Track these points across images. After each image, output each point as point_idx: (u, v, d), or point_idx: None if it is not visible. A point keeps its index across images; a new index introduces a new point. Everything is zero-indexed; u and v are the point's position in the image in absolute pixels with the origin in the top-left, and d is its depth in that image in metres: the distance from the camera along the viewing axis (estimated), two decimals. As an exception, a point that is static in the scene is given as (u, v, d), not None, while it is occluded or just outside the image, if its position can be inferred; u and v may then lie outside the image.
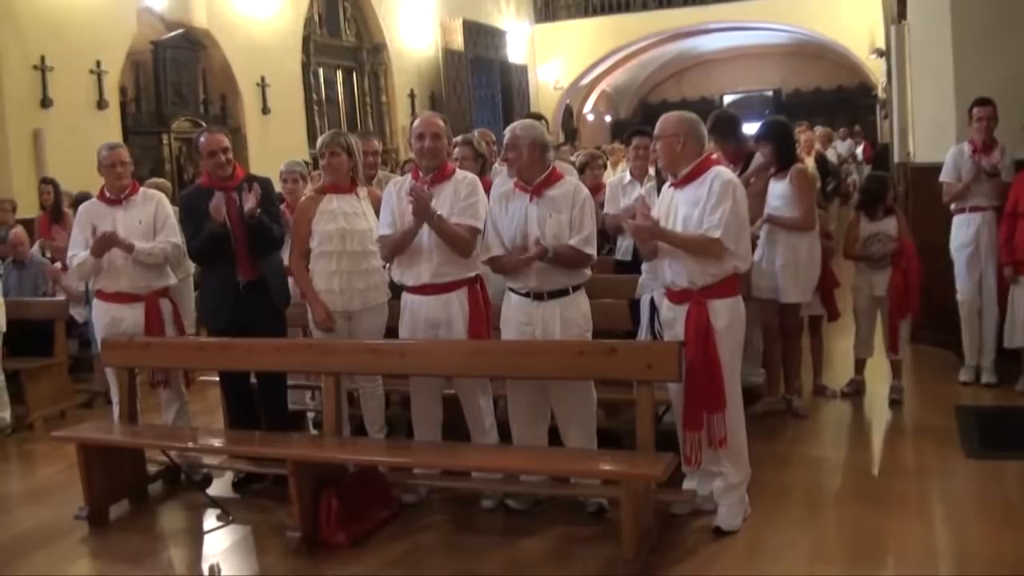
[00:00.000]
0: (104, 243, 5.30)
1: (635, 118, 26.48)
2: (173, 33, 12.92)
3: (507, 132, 4.65)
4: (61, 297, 7.56)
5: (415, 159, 4.89)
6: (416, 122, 4.85)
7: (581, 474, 4.23)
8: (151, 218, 5.53)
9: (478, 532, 4.66)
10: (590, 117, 25.93)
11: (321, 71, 16.34)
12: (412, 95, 18.35)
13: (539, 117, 6.18)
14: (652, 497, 3.95)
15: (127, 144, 12.00)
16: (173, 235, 5.54)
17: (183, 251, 5.65)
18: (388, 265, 5.02)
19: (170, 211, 5.63)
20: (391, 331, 5.17)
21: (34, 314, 7.45)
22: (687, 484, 4.46)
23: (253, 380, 5.48)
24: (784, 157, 5.84)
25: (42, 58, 10.84)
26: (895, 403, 6.21)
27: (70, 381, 7.59)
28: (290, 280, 5.53)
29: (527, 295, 4.54)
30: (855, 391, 6.44)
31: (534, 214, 4.51)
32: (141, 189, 5.67)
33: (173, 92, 13.00)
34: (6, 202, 9.05)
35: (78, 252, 5.48)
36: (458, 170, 4.91)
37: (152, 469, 5.52)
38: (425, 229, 4.65)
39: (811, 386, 6.50)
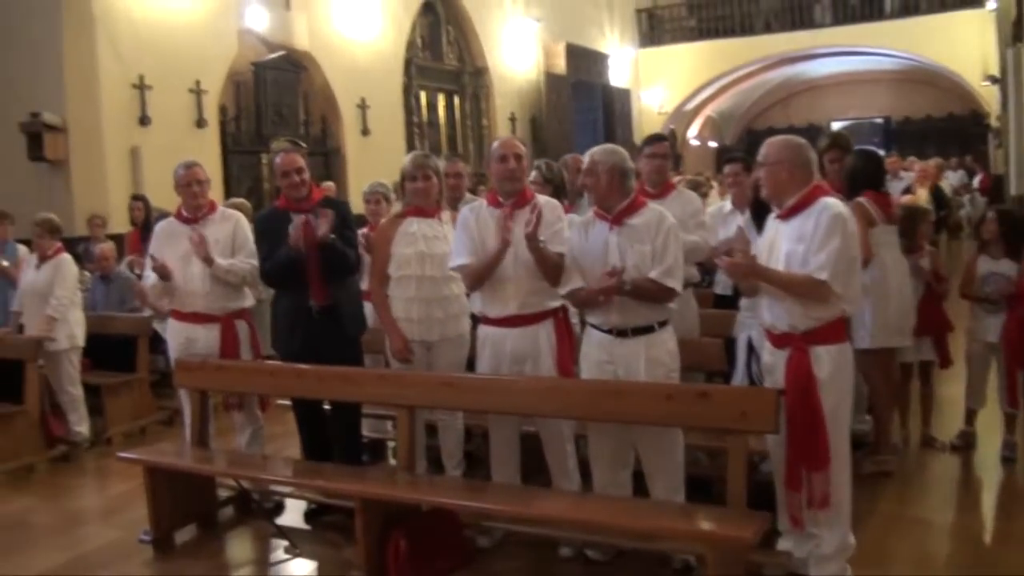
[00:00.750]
0: (161, 270, 5.27)
1: (740, 145, 25.93)
2: (275, 55, 13.02)
3: (585, 157, 4.36)
4: (147, 313, 7.54)
5: (494, 183, 4.61)
6: (496, 145, 4.59)
7: (663, 533, 3.87)
8: (228, 238, 5.43)
9: (553, 583, 4.34)
10: (694, 143, 25.46)
11: (422, 94, 16.31)
12: (513, 119, 18.22)
13: (660, 139, 5.84)
14: (742, 557, 3.57)
15: (225, 163, 12.39)
16: (252, 257, 5.40)
17: (257, 272, 5.48)
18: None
19: (248, 232, 5.52)
20: (471, 363, 4.91)
21: (117, 329, 7.47)
22: (782, 544, 4.06)
23: (327, 407, 5.27)
24: (853, 189, 5.36)
25: (141, 77, 11.01)
26: (1008, 461, 5.66)
27: (152, 398, 7.55)
28: (368, 306, 5.32)
29: (609, 331, 4.22)
30: (965, 444, 5.90)
31: (615, 244, 4.20)
32: (219, 208, 5.57)
33: (273, 112, 13.08)
34: (97, 218, 9.17)
35: (152, 273, 5.45)
36: (538, 195, 4.63)
37: (223, 494, 5.39)
38: (509, 256, 4.37)
39: (919, 436, 6.02)
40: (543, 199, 4.58)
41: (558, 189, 5.44)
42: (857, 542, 4.03)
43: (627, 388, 4.04)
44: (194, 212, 5.45)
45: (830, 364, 3.80)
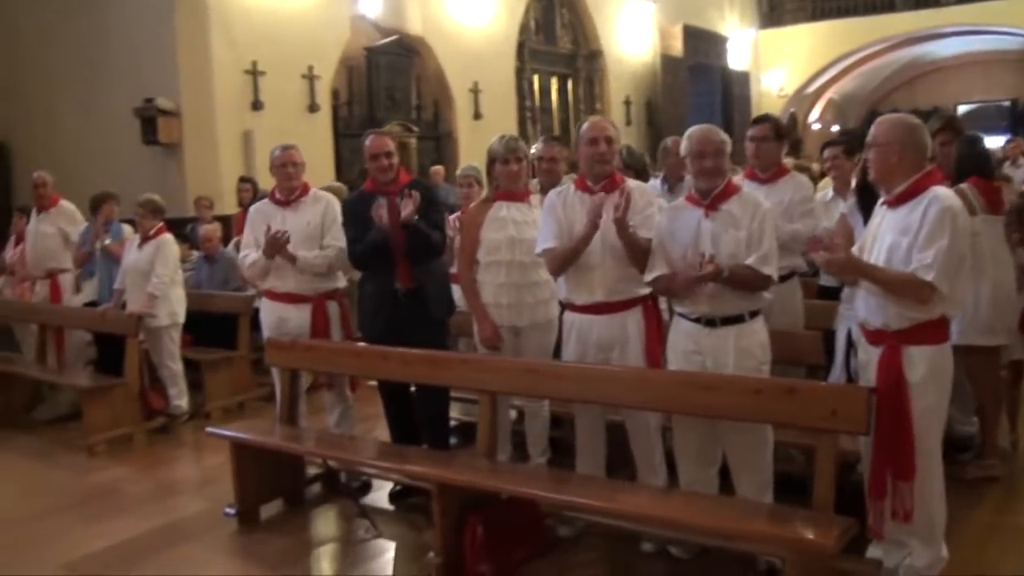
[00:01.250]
0: (273, 243, 5.23)
1: (863, 128, 24.91)
2: (387, 39, 13.08)
3: (684, 139, 4.17)
4: (250, 292, 7.66)
5: (583, 167, 4.47)
6: (585, 126, 4.43)
7: (743, 535, 3.68)
8: (319, 220, 5.44)
9: (634, 579, 4.19)
10: (816, 127, 24.62)
11: (535, 78, 16.20)
12: (628, 102, 17.96)
13: (759, 121, 5.58)
14: (825, 564, 3.36)
15: (336, 147, 12.54)
16: (340, 239, 5.37)
17: (345, 255, 5.46)
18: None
19: (339, 214, 5.48)
20: (557, 349, 4.79)
21: (219, 307, 7.62)
22: (872, 551, 3.82)
23: (414, 389, 5.23)
24: (959, 175, 4.95)
25: (254, 63, 11.20)
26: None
27: (252, 374, 7.65)
28: (457, 288, 5.26)
29: (697, 320, 4.04)
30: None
31: (708, 230, 4.00)
32: (312, 191, 5.57)
33: (386, 97, 13.17)
34: (203, 199, 9.38)
35: (249, 253, 5.49)
36: (628, 179, 4.47)
37: (312, 471, 5.44)
38: (596, 242, 4.23)
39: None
40: (633, 183, 4.43)
41: (640, 174, 5.27)
42: (954, 552, 3.77)
43: (713, 381, 3.85)
44: (287, 194, 5.48)
45: (924, 366, 3.54)
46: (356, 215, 5.13)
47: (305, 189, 5.52)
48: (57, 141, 12.53)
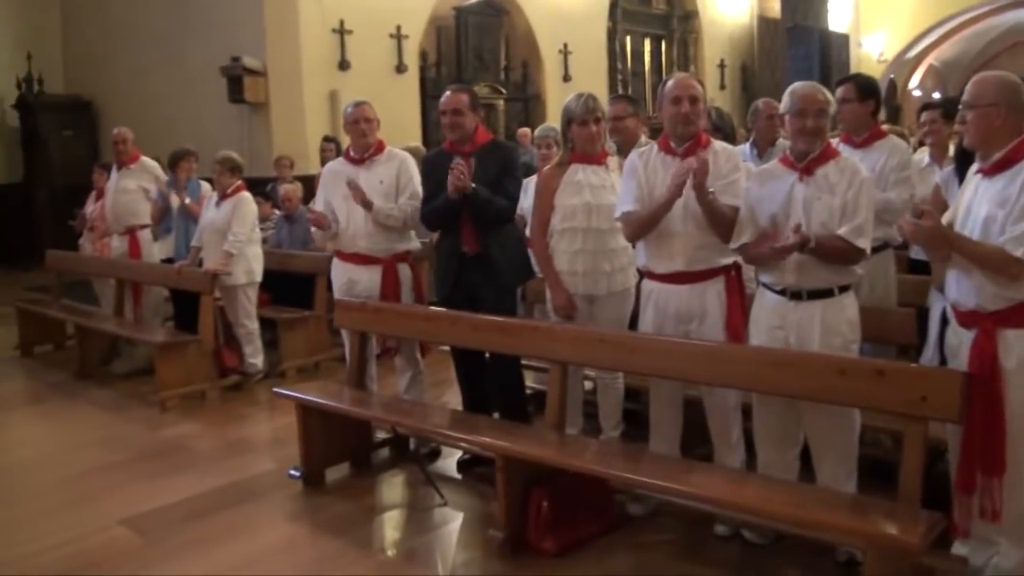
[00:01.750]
0: (317, 221, 5.23)
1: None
2: (477, -1, 12.91)
3: (786, 96, 3.88)
4: (328, 252, 7.59)
5: (666, 127, 4.22)
6: (670, 84, 4.17)
7: (819, 526, 3.43)
8: (393, 178, 5.32)
9: (705, 562, 3.98)
10: (916, 93, 23.61)
11: (628, 39, 15.83)
12: (722, 65, 17.48)
13: (842, 82, 5.25)
14: (909, 560, 3.11)
15: (424, 107, 12.44)
16: (415, 198, 5.27)
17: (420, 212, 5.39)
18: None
19: (414, 172, 5.37)
20: (634, 320, 4.59)
21: (297, 267, 7.58)
22: (958, 548, 3.54)
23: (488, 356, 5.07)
24: None
25: (341, 22, 11.16)
26: None
27: (328, 334, 7.59)
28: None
29: (782, 293, 3.78)
30: None
31: (800, 195, 3.73)
32: (387, 148, 5.43)
33: (474, 57, 13.04)
34: (284, 158, 9.34)
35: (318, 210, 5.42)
36: (715, 141, 4.21)
37: (380, 435, 5.36)
38: (678, 208, 4.00)
39: None
40: (719, 145, 4.18)
41: (728, 137, 4.99)
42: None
43: (795, 359, 3.61)
44: (361, 152, 5.37)
45: (1021, 351, 3.23)
46: (432, 174, 5.03)
47: (380, 147, 5.40)
48: (144, 100, 12.73)
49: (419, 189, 5.30)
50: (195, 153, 7.81)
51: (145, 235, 7.91)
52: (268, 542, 4.35)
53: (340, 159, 5.59)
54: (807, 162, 3.75)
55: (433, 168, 5.04)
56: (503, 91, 13.50)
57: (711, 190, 3.88)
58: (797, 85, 3.86)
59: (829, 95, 3.82)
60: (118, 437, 6.00)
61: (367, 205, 5.17)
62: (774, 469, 3.90)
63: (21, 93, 14.10)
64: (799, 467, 3.95)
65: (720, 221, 3.93)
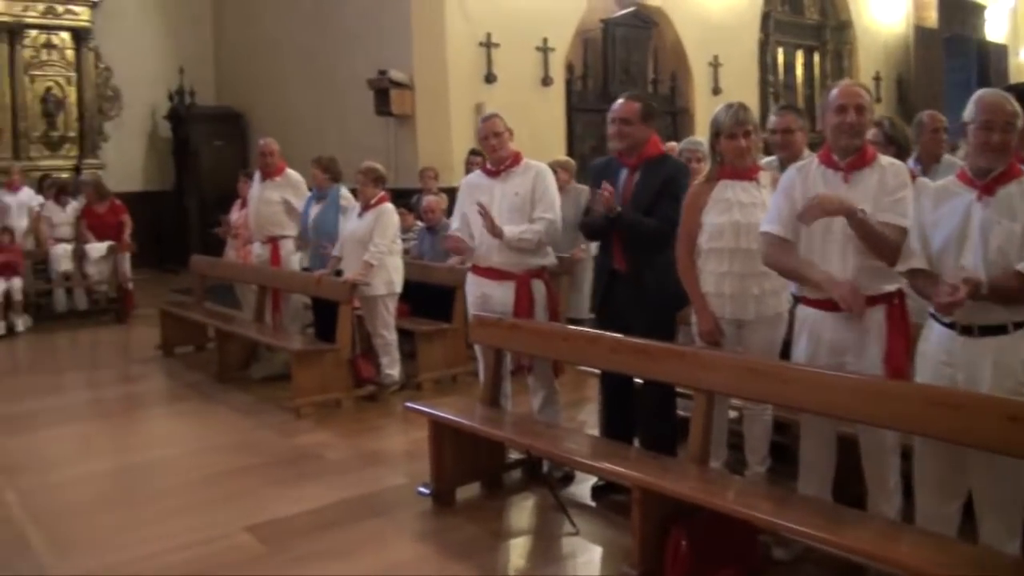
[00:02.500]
0: (485, 218, 5.04)
1: None
2: (625, 11, 12.71)
3: (971, 105, 3.52)
4: (468, 265, 7.51)
5: (829, 138, 3.91)
6: (834, 92, 3.85)
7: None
8: (528, 190, 5.17)
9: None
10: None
11: (780, 51, 15.36)
12: (877, 78, 16.72)
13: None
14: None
15: (569, 121, 12.31)
16: (549, 211, 5.12)
17: (558, 228, 5.25)
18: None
19: (551, 184, 5.23)
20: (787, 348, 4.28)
21: (437, 279, 7.52)
22: None
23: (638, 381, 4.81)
24: None
25: (488, 35, 11.14)
26: None
27: (466, 348, 7.46)
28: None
29: (951, 326, 3.42)
30: None
31: (977, 217, 3.37)
32: (524, 160, 5.30)
33: (621, 70, 12.85)
34: (429, 170, 9.34)
35: (456, 225, 5.36)
36: (881, 155, 3.88)
37: (513, 456, 5.19)
38: (836, 226, 3.70)
39: None
40: (886, 160, 3.84)
41: (901, 151, 4.61)
42: None
43: (964, 400, 3.23)
44: (497, 164, 5.26)
45: None
46: (595, 180, 4.93)
47: (516, 158, 5.27)
48: (292, 112, 13.04)
49: (555, 202, 5.19)
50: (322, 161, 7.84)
51: (287, 244, 7.99)
52: (393, 560, 4.24)
53: (477, 172, 5.52)
54: (988, 180, 3.39)
55: (597, 176, 4.92)
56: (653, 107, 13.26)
57: (861, 209, 3.56)
58: (984, 93, 3.51)
59: (1018, 107, 3.45)
60: (251, 442, 6.04)
61: (498, 234, 5.05)
62: (932, 521, 3.53)
63: (173, 105, 14.69)
64: (959, 521, 3.58)
65: (881, 244, 3.60)
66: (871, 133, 4.37)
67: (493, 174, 5.28)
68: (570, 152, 12.06)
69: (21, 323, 10.31)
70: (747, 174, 4.32)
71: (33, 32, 13.86)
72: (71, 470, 5.68)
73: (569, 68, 12.43)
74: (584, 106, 12.55)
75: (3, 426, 6.60)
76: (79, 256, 11.01)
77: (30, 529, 4.64)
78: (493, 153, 5.25)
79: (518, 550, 4.44)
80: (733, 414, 4.82)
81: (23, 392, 7.80)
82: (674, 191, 4.64)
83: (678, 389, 4.80)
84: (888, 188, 3.68)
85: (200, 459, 5.57)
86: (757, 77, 14.71)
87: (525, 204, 5.14)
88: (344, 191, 7.60)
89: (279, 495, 5.02)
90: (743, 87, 14.10)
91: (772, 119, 5.10)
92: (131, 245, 11.29)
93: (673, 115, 13.45)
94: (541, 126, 11.40)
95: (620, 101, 4.85)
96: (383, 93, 11.07)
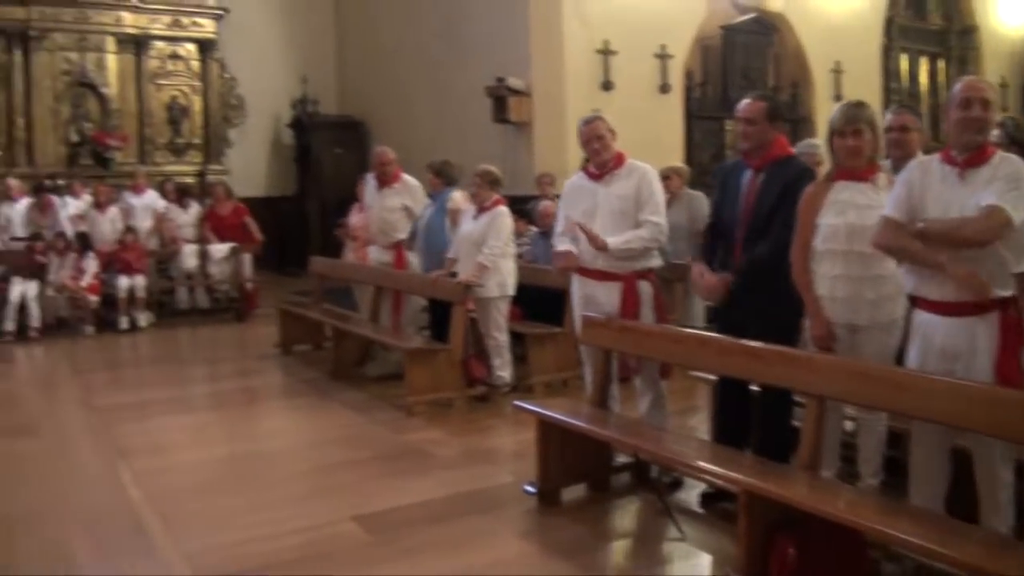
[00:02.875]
0: (589, 235, 5.08)
1: None
2: (745, 17, 12.54)
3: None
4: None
5: (950, 134, 3.77)
6: (958, 86, 3.72)
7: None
8: (633, 193, 5.13)
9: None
10: None
11: (903, 57, 14.93)
12: (1003, 85, 16.03)
13: None
14: None
15: (688, 129, 12.21)
16: (654, 213, 5.09)
17: (664, 231, 5.19)
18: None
19: (656, 186, 5.20)
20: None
21: (549, 283, 7.50)
22: None
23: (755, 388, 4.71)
24: None
25: (606, 43, 11.15)
26: None
27: (577, 352, 7.43)
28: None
29: None
30: None
31: None
32: (627, 162, 5.25)
33: (741, 77, 12.67)
34: (545, 176, 9.52)
35: (559, 230, 5.38)
36: (999, 152, 3.73)
37: (620, 459, 5.17)
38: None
39: None
40: (999, 157, 3.67)
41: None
42: None
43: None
44: (600, 167, 5.23)
45: None
46: (720, 184, 4.89)
47: (619, 160, 5.23)
48: (411, 119, 13.29)
49: (661, 204, 5.16)
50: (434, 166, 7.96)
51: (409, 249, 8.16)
52: (496, 556, 4.26)
53: (580, 174, 5.46)
54: None
55: (724, 178, 4.87)
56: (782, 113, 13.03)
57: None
58: (962, 79, 3.43)
59: (989, 86, 3.33)
60: (362, 436, 6.16)
61: (601, 247, 5.04)
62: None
63: (296, 114, 15.14)
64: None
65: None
66: (994, 134, 4.22)
67: (596, 177, 5.25)
68: (688, 160, 11.96)
69: (143, 319, 10.81)
70: (863, 175, 4.20)
71: (160, 43, 14.53)
72: (186, 456, 5.95)
73: (688, 75, 12.33)
74: (703, 114, 12.43)
75: (123, 413, 6.94)
76: (202, 256, 11.47)
77: (144, 509, 4.85)
78: (596, 157, 5.20)
79: (621, 552, 4.43)
80: (849, 426, 4.71)
81: (143, 383, 8.22)
82: (795, 195, 4.48)
83: (795, 398, 4.70)
84: (1008, 186, 3.53)
85: (312, 451, 5.72)
86: (880, 84, 14.31)
87: (630, 208, 5.11)
88: (454, 194, 7.70)
89: (387, 488, 5.12)
90: (865, 94, 13.49)
91: (888, 117, 4.93)
92: (259, 242, 11.78)
93: (794, 123, 13.19)
94: (659, 134, 11.34)
95: (746, 100, 4.76)
96: (501, 101, 11.18)
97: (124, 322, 10.63)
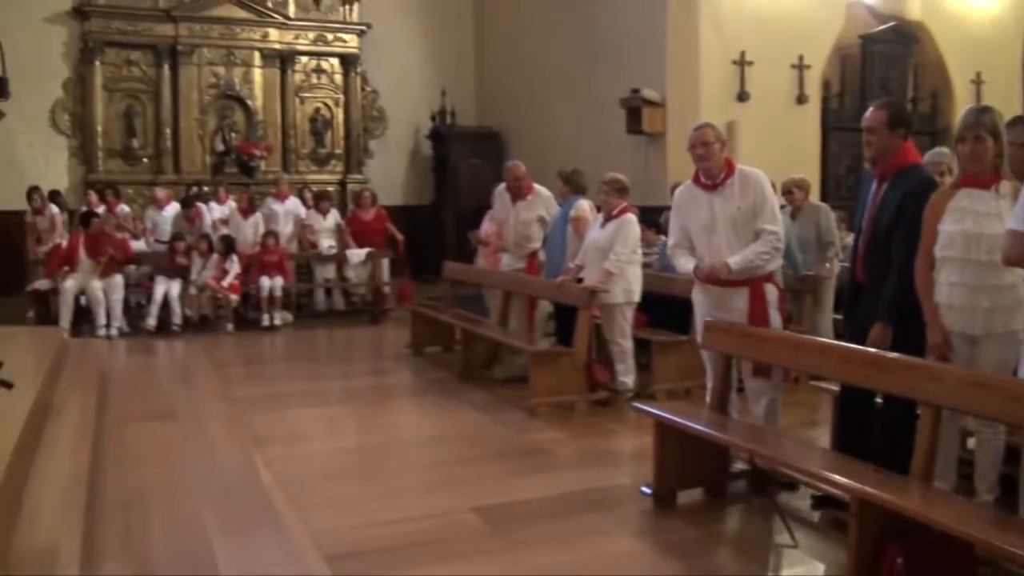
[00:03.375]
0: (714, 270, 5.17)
1: None
2: (884, 26, 12.31)
3: None
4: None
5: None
6: None
7: None
8: (750, 203, 5.15)
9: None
10: None
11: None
12: None
13: None
14: None
15: (824, 140, 12.02)
16: (771, 222, 5.13)
17: (782, 237, 5.23)
18: None
19: (770, 192, 5.24)
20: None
21: (676, 291, 7.53)
22: None
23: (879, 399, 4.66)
24: None
25: (742, 53, 11.12)
26: None
27: (701, 361, 7.48)
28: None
29: None
30: None
31: None
32: (737, 170, 5.25)
33: (879, 87, 12.41)
34: (680, 185, 9.36)
35: (673, 241, 5.46)
36: None
37: (738, 466, 5.21)
38: None
39: None
40: None
41: None
42: None
43: None
44: (712, 177, 5.25)
45: None
46: (856, 194, 5.02)
47: (730, 169, 5.24)
48: (547, 130, 13.49)
49: (776, 210, 5.22)
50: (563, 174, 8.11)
51: (540, 255, 8.36)
52: (608, 552, 4.36)
53: (689, 183, 5.44)
54: None
55: (860, 189, 4.92)
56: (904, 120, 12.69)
57: None
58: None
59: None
60: (485, 434, 6.37)
61: (727, 274, 5.11)
62: None
63: (435, 125, 15.55)
64: None
65: None
66: None
67: (709, 188, 5.25)
68: (823, 172, 11.82)
69: (280, 318, 11.33)
70: (986, 182, 4.15)
71: (304, 58, 15.21)
72: (317, 445, 6.28)
73: (825, 85, 12.16)
74: (840, 124, 12.22)
75: (259, 404, 7.35)
76: (340, 260, 11.95)
77: (274, 491, 5.13)
78: (701, 163, 5.21)
79: (732, 555, 4.48)
80: (971, 443, 4.64)
81: (279, 377, 8.73)
82: (914, 205, 4.43)
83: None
84: None
85: (436, 446, 5.94)
86: (1022, 95, 13.76)
87: (748, 218, 5.14)
88: (581, 202, 7.84)
89: (506, 483, 5.28)
90: (1007, 106, 13.15)
91: (1010, 133, 4.80)
92: (401, 241, 12.39)
93: (933, 135, 12.83)
94: (795, 145, 11.22)
95: (870, 110, 4.73)
96: (635, 112, 11.25)
97: (265, 320, 11.19)
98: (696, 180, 5.36)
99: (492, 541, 4.45)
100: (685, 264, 5.36)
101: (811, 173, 9.42)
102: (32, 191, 11.88)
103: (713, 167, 5.21)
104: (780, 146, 10.70)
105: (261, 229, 11.96)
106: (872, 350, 4.31)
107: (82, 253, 10.74)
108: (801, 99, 11.75)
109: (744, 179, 5.21)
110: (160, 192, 12.70)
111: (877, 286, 4.57)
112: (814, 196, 8.79)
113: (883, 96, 12.04)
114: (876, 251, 4.58)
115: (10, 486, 4.09)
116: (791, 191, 8.01)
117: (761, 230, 5.12)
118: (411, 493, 5.18)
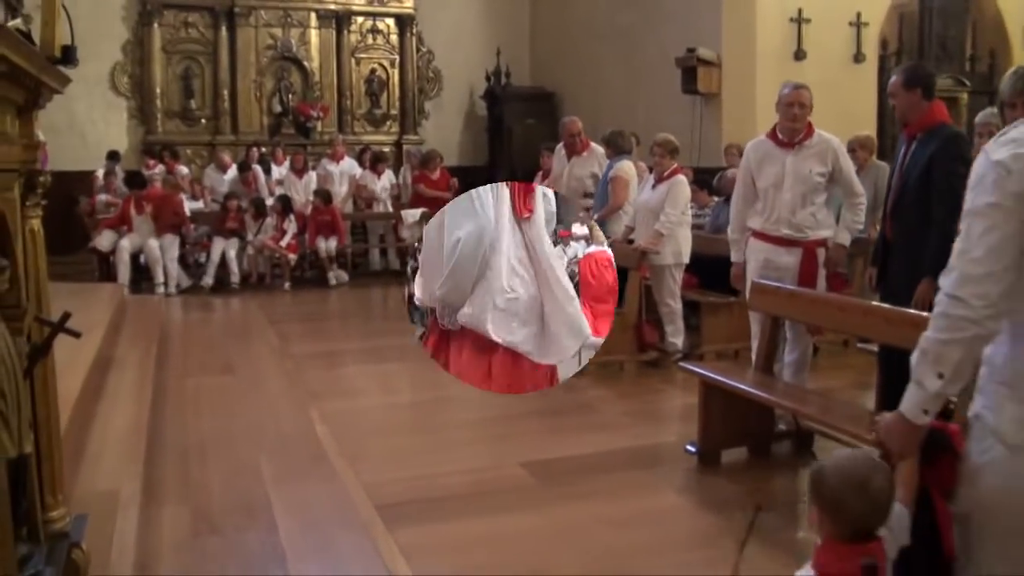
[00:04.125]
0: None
1: None
2: (947, -19, 12.00)
3: None
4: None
5: None
6: None
7: None
8: (827, 167, 5.23)
9: None
10: None
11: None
12: None
13: None
14: None
15: (880, 98, 11.81)
16: (857, 193, 5.36)
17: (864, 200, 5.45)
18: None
19: (849, 163, 5.39)
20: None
21: (726, 252, 7.53)
22: None
23: None
24: None
25: (799, 11, 10.93)
26: None
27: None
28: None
29: None
30: None
31: None
32: (816, 133, 5.27)
33: (938, 46, 12.15)
34: (733, 147, 9.47)
35: (741, 192, 5.56)
36: None
37: (783, 427, 5.27)
38: None
39: None
40: None
41: None
42: None
43: None
44: (790, 136, 5.27)
45: None
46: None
47: (809, 131, 5.27)
48: (601, 90, 13.41)
49: (856, 178, 5.37)
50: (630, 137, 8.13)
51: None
52: (651, 506, 4.46)
53: (763, 138, 5.48)
54: None
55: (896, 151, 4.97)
56: (966, 83, 12.39)
57: None
58: None
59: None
60: (535, 392, 6.40)
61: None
62: None
63: (489, 86, 15.54)
64: None
65: None
66: None
67: (786, 146, 5.28)
68: (880, 132, 11.62)
69: (334, 278, 11.53)
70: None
71: (360, 19, 15.24)
72: (370, 400, 6.49)
73: (883, 44, 11.93)
74: (897, 85, 12.01)
75: (315, 361, 7.54)
76: (395, 220, 12.10)
77: (328, 442, 5.30)
78: (791, 122, 5.23)
79: (772, 513, 4.49)
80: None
81: (335, 335, 8.90)
82: (944, 160, 4.47)
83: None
84: None
85: (486, 402, 6.03)
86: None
87: (821, 181, 5.23)
88: (622, 163, 7.82)
89: (554, 440, 5.40)
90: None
91: None
92: None
93: (990, 95, 12.53)
94: (851, 105, 11.02)
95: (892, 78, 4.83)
96: (690, 71, 11.16)
97: (332, 279, 11.37)
98: (772, 136, 5.40)
99: (539, 493, 4.56)
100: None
101: (868, 131, 9.28)
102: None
103: (799, 127, 5.25)
104: (836, 105, 10.49)
105: (313, 188, 12.14)
106: (911, 312, 4.31)
107: (133, 212, 11.02)
108: (858, 58, 11.54)
109: (824, 144, 5.27)
110: (226, 158, 12.96)
111: (905, 243, 4.63)
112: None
113: (941, 56, 11.88)
114: (904, 207, 4.63)
115: (75, 430, 4.29)
116: (855, 149, 7.93)
117: (853, 204, 5.34)
118: (461, 447, 5.33)
